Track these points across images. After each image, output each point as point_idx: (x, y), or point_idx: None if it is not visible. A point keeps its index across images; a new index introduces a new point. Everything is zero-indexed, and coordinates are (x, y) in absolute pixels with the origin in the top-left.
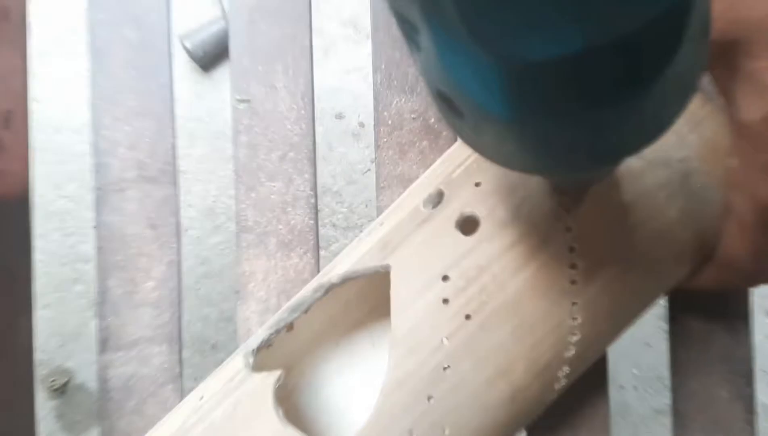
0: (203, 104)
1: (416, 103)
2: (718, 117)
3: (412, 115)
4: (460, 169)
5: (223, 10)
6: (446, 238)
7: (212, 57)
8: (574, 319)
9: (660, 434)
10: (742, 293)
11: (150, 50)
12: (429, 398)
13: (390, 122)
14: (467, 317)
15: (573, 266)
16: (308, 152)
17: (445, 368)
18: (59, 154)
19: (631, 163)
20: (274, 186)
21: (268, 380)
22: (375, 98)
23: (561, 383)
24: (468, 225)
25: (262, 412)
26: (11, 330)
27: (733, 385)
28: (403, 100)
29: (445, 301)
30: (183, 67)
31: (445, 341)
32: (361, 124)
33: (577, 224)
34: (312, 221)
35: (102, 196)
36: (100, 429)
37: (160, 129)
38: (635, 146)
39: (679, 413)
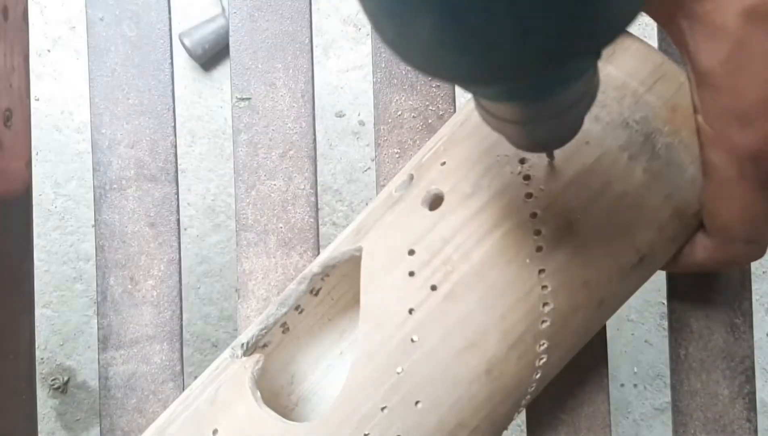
0: (203, 103)
1: (416, 101)
2: (677, 77)
3: (413, 114)
4: (430, 153)
5: (222, 8)
6: (413, 215)
7: (212, 55)
8: (544, 287)
9: (661, 432)
10: (742, 291)
11: (150, 48)
12: (398, 370)
13: (390, 120)
14: (433, 287)
15: (538, 233)
16: (308, 150)
17: (413, 340)
18: (59, 153)
19: (590, 128)
20: (274, 184)
21: (248, 364)
22: (375, 96)
23: (542, 360)
24: (434, 202)
25: (241, 395)
26: (12, 329)
27: (734, 383)
28: (404, 98)
29: (411, 274)
30: (183, 65)
31: (412, 313)
32: (361, 123)
33: (539, 190)
34: (312, 220)
35: (102, 195)
36: (101, 427)
37: (159, 127)
38: (579, 33)
39: (679, 411)
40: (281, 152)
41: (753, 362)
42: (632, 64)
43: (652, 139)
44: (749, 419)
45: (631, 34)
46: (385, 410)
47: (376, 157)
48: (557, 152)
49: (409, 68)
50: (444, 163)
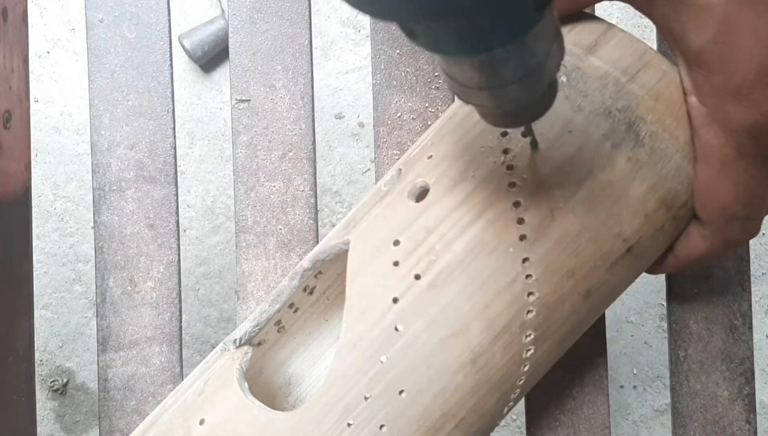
0: (202, 104)
1: (416, 102)
2: (660, 66)
3: (412, 116)
4: (418, 149)
5: (222, 9)
6: (399, 207)
7: (211, 57)
8: (528, 276)
9: (660, 433)
10: (741, 292)
11: (149, 50)
12: (382, 359)
13: (390, 122)
14: (416, 276)
15: (521, 222)
16: (308, 152)
17: (396, 329)
18: (59, 155)
19: (572, 117)
20: (274, 186)
21: (236, 356)
22: (374, 98)
23: (530, 351)
24: (420, 194)
25: (228, 385)
26: (11, 330)
27: (733, 384)
28: (403, 99)
29: (396, 263)
30: (182, 66)
31: (396, 302)
32: (361, 124)
33: (522, 179)
34: (312, 221)
35: (101, 197)
36: (100, 429)
37: (159, 129)
38: None
39: (679, 413)
40: (281, 154)
41: (752, 364)
42: (615, 55)
43: (635, 128)
44: (749, 421)
45: (614, 26)
46: (369, 399)
47: (375, 158)
48: (540, 142)
49: (408, 70)
50: (431, 156)
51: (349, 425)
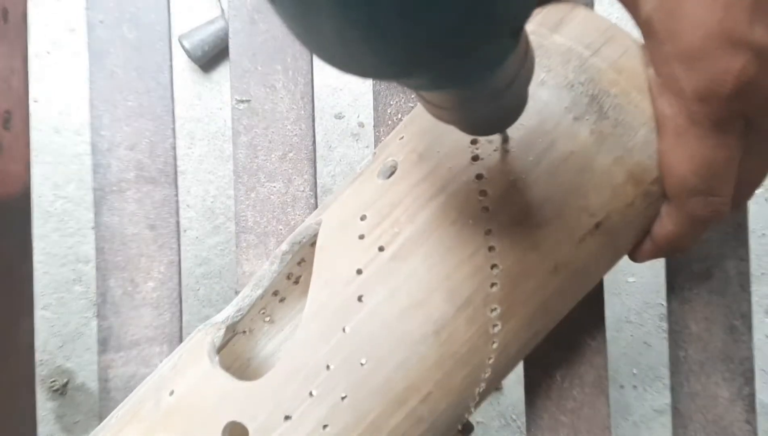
0: (203, 105)
1: (416, 103)
2: (623, 40)
3: None
4: (393, 132)
5: (222, 10)
6: (369, 185)
7: (211, 57)
8: (491, 248)
9: (660, 434)
10: (741, 292)
11: (149, 50)
12: (344, 329)
13: (390, 122)
14: (380, 248)
15: (483, 193)
16: (308, 152)
17: (359, 298)
18: (58, 155)
19: (534, 91)
20: (274, 186)
21: (209, 332)
22: (374, 98)
23: (497, 327)
24: (390, 172)
25: (198, 358)
26: (11, 331)
27: (733, 384)
28: (403, 99)
29: (361, 237)
30: (182, 67)
31: (360, 273)
32: (361, 124)
33: (485, 153)
34: None
35: (101, 197)
36: None
37: (159, 129)
38: (476, 25)
39: (679, 413)
40: (281, 154)
41: (752, 364)
42: (578, 31)
43: (598, 101)
44: (749, 421)
45: (579, 5)
46: (331, 369)
47: None
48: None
49: None
50: (402, 137)
51: (311, 394)
